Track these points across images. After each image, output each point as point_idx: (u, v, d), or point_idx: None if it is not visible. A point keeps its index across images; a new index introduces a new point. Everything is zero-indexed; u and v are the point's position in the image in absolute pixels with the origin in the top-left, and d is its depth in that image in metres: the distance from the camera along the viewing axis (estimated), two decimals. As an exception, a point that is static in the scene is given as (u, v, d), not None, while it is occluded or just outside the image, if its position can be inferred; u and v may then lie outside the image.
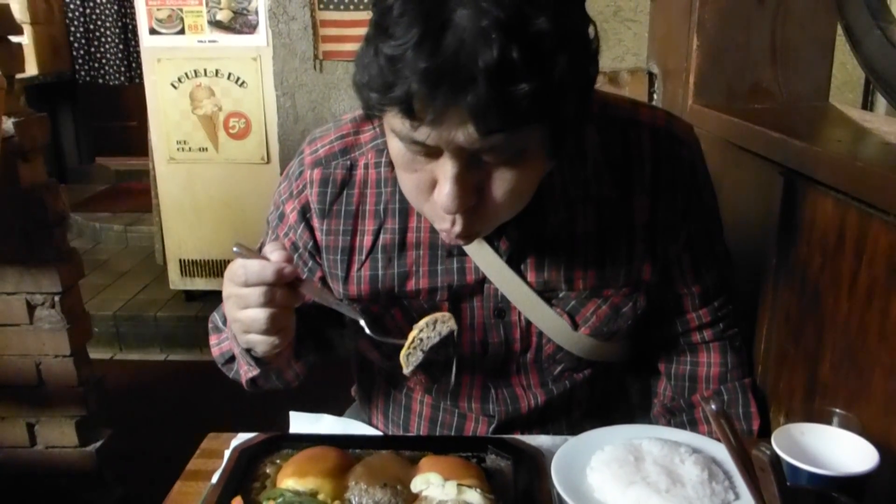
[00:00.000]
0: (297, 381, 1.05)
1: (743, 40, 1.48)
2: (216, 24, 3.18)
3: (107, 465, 2.17)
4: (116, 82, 5.35)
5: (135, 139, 4.90)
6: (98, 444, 2.14)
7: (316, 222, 0.98)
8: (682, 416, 1.09)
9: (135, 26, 4.66)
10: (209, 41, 3.20)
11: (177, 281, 3.53)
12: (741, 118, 1.32)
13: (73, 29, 5.24)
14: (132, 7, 3.92)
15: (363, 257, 0.98)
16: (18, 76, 1.94)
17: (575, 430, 0.97)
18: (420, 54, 0.67)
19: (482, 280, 0.96)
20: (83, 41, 5.25)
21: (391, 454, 0.88)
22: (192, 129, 3.31)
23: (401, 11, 0.68)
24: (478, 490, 0.79)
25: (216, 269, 3.47)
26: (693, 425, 1.07)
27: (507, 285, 0.95)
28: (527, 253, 0.95)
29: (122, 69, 5.30)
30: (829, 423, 0.84)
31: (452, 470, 0.82)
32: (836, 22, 1.40)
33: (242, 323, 0.84)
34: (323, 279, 1.01)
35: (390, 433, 1.13)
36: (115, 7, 5.18)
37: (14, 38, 1.91)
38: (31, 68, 4.65)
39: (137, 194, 4.82)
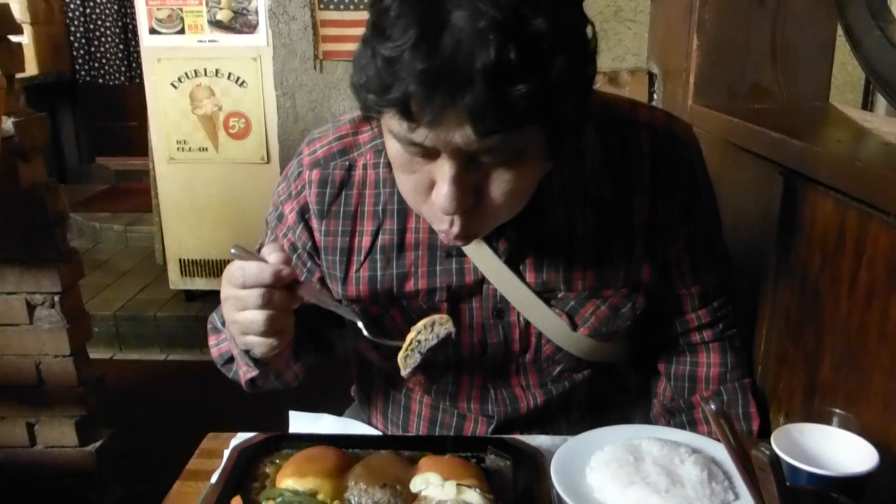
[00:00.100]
0: (297, 381, 1.05)
1: (743, 40, 1.48)
2: (216, 24, 3.18)
3: (107, 465, 2.17)
4: (116, 82, 5.35)
5: (135, 139, 4.90)
6: (98, 444, 2.14)
7: (315, 223, 0.98)
8: (681, 416, 1.09)
9: (135, 26, 4.66)
10: (209, 41, 3.20)
11: (177, 281, 3.53)
12: (741, 118, 1.32)
13: (73, 29, 5.24)
14: (132, 7, 3.92)
15: (362, 258, 0.97)
16: (18, 76, 1.95)
17: (574, 430, 0.97)
18: (417, 56, 0.67)
19: (481, 280, 0.96)
20: (83, 41, 5.26)
21: (390, 454, 0.88)
22: (192, 129, 3.31)
23: (398, 13, 0.68)
24: (477, 490, 0.79)
25: (216, 268, 3.47)
26: (693, 425, 1.07)
27: (505, 286, 0.95)
28: (526, 253, 0.95)
29: (122, 69, 5.30)
30: (828, 423, 0.83)
31: (452, 470, 0.82)
32: (836, 22, 1.40)
33: (240, 325, 0.84)
34: (322, 280, 1.01)
35: (390, 433, 1.13)
36: (115, 7, 5.19)
37: (14, 38, 1.91)
38: (31, 68, 4.65)
39: (137, 194, 4.82)
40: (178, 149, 3.34)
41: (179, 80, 3.25)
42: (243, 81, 3.23)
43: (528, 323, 0.98)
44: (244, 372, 0.96)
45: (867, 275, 0.91)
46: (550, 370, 1.03)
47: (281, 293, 0.82)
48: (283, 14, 3.01)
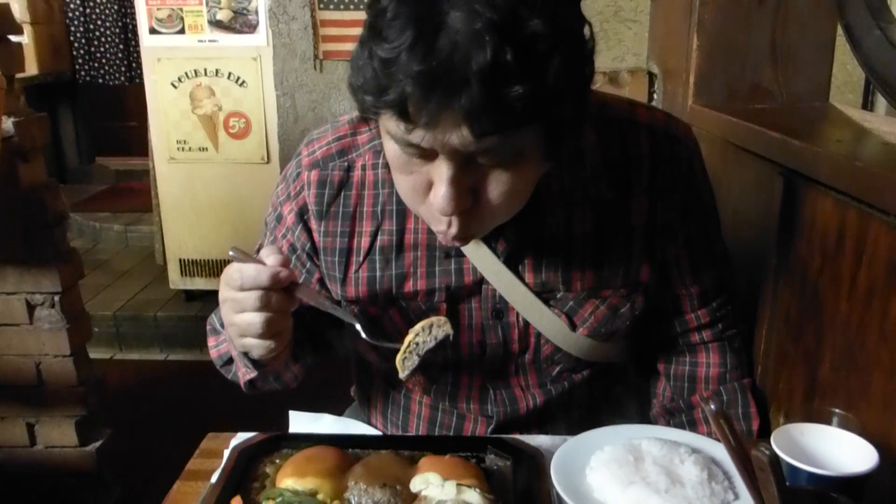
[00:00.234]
0: (296, 382, 1.05)
1: (743, 40, 1.48)
2: (216, 24, 3.18)
3: (107, 464, 2.17)
4: (116, 82, 5.35)
5: (135, 139, 4.90)
6: (98, 444, 2.15)
7: (313, 224, 0.98)
8: (681, 416, 1.09)
9: (135, 26, 4.66)
10: (209, 41, 3.20)
11: (177, 281, 3.53)
12: (741, 118, 1.32)
13: (73, 29, 5.24)
14: (132, 7, 3.92)
15: (361, 259, 0.97)
16: (18, 76, 1.95)
17: (574, 430, 0.96)
18: (413, 57, 0.67)
19: (480, 281, 0.96)
20: (83, 41, 5.26)
21: (390, 454, 0.88)
22: (192, 129, 3.31)
23: (394, 14, 0.68)
24: (477, 490, 0.79)
25: (216, 268, 3.46)
26: (692, 426, 1.07)
27: (505, 286, 0.95)
28: (525, 254, 0.95)
29: (122, 69, 5.30)
30: (828, 423, 0.83)
31: (452, 470, 0.82)
32: (836, 22, 1.40)
33: (239, 327, 0.84)
34: (321, 280, 1.01)
35: (389, 433, 1.13)
36: (115, 7, 5.19)
37: (14, 38, 1.91)
38: (31, 68, 4.66)
39: (137, 194, 4.82)
40: (178, 149, 3.34)
41: (179, 79, 3.25)
42: (243, 81, 3.23)
43: (527, 323, 0.98)
44: (243, 373, 0.96)
45: (867, 275, 0.91)
46: (550, 370, 1.03)
47: (279, 295, 0.82)
48: (283, 14, 3.01)
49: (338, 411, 1.19)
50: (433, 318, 0.85)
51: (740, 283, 1.09)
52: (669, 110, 1.31)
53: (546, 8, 0.68)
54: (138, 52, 3.49)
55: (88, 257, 4.18)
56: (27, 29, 4.67)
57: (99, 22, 5.23)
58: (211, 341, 1.07)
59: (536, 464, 0.87)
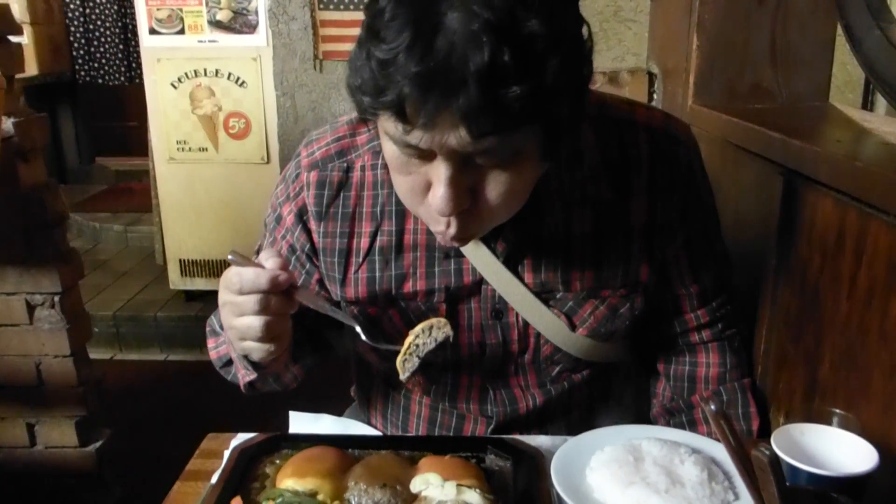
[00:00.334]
0: (296, 383, 1.05)
1: (743, 40, 1.48)
2: (216, 24, 3.18)
3: (107, 465, 2.17)
4: (116, 82, 5.35)
5: (135, 139, 4.90)
6: (98, 444, 2.14)
7: (313, 225, 0.98)
8: (681, 416, 1.09)
9: (135, 26, 4.66)
10: (209, 41, 3.20)
11: (177, 281, 3.53)
12: (741, 118, 1.32)
13: (73, 29, 5.24)
14: (132, 7, 3.92)
15: (360, 259, 0.97)
16: (18, 76, 1.94)
17: (574, 430, 0.96)
18: (411, 58, 0.67)
19: (479, 281, 0.96)
20: (83, 41, 5.26)
21: (390, 454, 0.88)
22: (192, 129, 3.31)
23: (392, 15, 0.68)
24: (477, 490, 0.79)
25: (216, 269, 3.47)
26: (692, 426, 1.07)
27: (504, 286, 0.95)
28: (524, 254, 0.95)
29: (122, 69, 5.31)
30: (828, 423, 0.83)
31: (452, 470, 0.82)
32: (836, 22, 1.40)
33: (238, 330, 0.84)
34: (320, 281, 1.01)
35: (389, 434, 1.13)
36: (115, 7, 5.19)
37: (14, 38, 1.91)
38: (31, 68, 4.66)
39: (137, 194, 4.82)
40: (178, 149, 3.34)
41: (179, 80, 3.25)
42: (243, 81, 3.23)
43: (526, 323, 0.98)
44: (243, 375, 0.96)
45: (867, 275, 0.91)
46: (549, 370, 1.03)
47: (278, 298, 0.82)
48: (282, 14, 3.00)
49: (338, 411, 1.19)
50: (433, 320, 0.85)
51: (740, 283, 1.09)
52: (669, 110, 1.31)
53: (544, 8, 0.68)
54: (138, 53, 3.49)
55: (88, 257, 4.18)
56: (27, 29, 4.67)
57: (99, 22, 5.23)
58: (210, 343, 1.07)
59: (536, 464, 0.87)
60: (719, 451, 0.90)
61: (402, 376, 0.85)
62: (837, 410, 0.84)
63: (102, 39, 5.26)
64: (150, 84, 3.28)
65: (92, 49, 5.28)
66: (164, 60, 3.23)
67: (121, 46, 5.25)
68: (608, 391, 1.11)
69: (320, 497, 0.79)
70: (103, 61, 5.30)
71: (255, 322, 0.82)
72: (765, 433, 1.06)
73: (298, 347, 0.99)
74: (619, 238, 0.96)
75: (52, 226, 1.97)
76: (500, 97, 0.67)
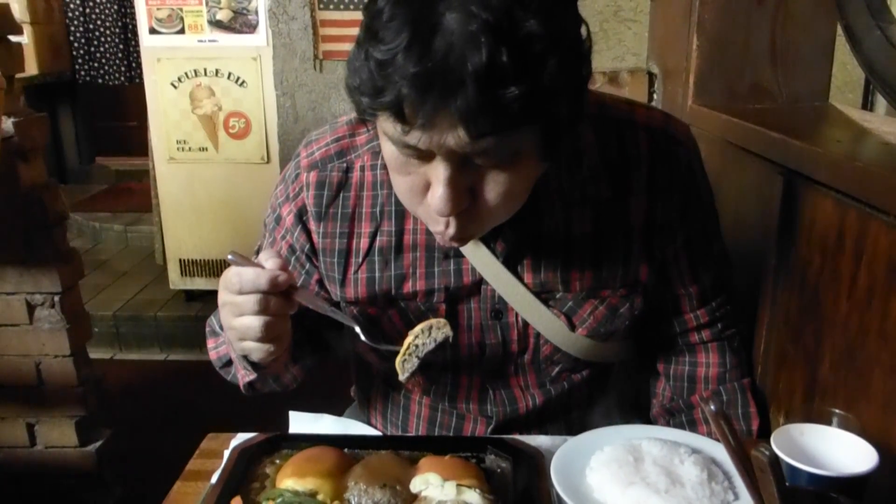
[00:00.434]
0: (295, 383, 1.05)
1: (743, 40, 1.48)
2: (216, 24, 3.18)
3: (107, 465, 2.17)
4: (116, 82, 5.35)
5: (135, 139, 4.90)
6: (98, 444, 2.15)
7: (312, 225, 0.98)
8: (681, 416, 1.09)
9: (135, 26, 4.66)
10: (209, 41, 3.20)
11: (177, 281, 3.53)
12: (741, 118, 1.32)
13: (73, 29, 5.24)
14: (132, 7, 3.92)
15: (360, 260, 0.97)
16: (18, 76, 1.95)
17: (573, 430, 0.96)
18: (409, 58, 0.67)
19: (479, 281, 0.96)
20: (83, 41, 5.26)
21: (390, 454, 0.88)
22: (192, 129, 3.31)
23: (390, 15, 0.68)
24: (477, 490, 0.79)
25: (216, 268, 3.47)
26: (692, 426, 1.07)
27: (503, 286, 0.95)
28: (523, 254, 0.95)
29: (122, 69, 5.30)
30: (828, 423, 0.83)
31: (452, 470, 0.82)
32: (836, 22, 1.40)
33: (237, 330, 0.84)
34: (320, 282, 1.01)
35: (389, 434, 1.13)
36: (115, 7, 5.19)
37: (14, 38, 1.91)
38: (31, 68, 4.66)
39: (137, 194, 4.82)
40: (178, 149, 3.34)
41: (179, 80, 3.25)
42: (243, 81, 3.23)
43: (526, 323, 0.98)
44: (242, 375, 0.96)
45: (867, 275, 0.91)
46: (549, 370, 1.03)
47: (277, 299, 0.82)
48: (282, 14, 3.00)
49: (338, 411, 1.19)
50: (432, 320, 0.85)
51: (740, 283, 1.09)
52: (669, 110, 1.31)
53: (542, 9, 0.68)
54: (138, 52, 3.49)
55: (88, 257, 4.18)
56: (27, 29, 4.67)
57: (99, 22, 5.23)
58: (210, 343, 1.07)
59: (536, 464, 0.87)
60: (719, 451, 0.90)
61: (402, 377, 0.85)
62: (837, 410, 0.84)
63: (102, 39, 5.26)
64: (150, 84, 3.28)
65: (92, 49, 5.27)
66: (164, 60, 3.23)
67: (121, 46, 5.25)
68: (608, 391, 1.11)
69: (320, 497, 0.79)
70: (103, 61, 5.30)
71: (254, 322, 0.82)
72: (764, 433, 1.06)
73: (298, 348, 0.99)
74: (618, 238, 0.96)
75: (52, 226, 1.97)
76: (498, 97, 0.67)
